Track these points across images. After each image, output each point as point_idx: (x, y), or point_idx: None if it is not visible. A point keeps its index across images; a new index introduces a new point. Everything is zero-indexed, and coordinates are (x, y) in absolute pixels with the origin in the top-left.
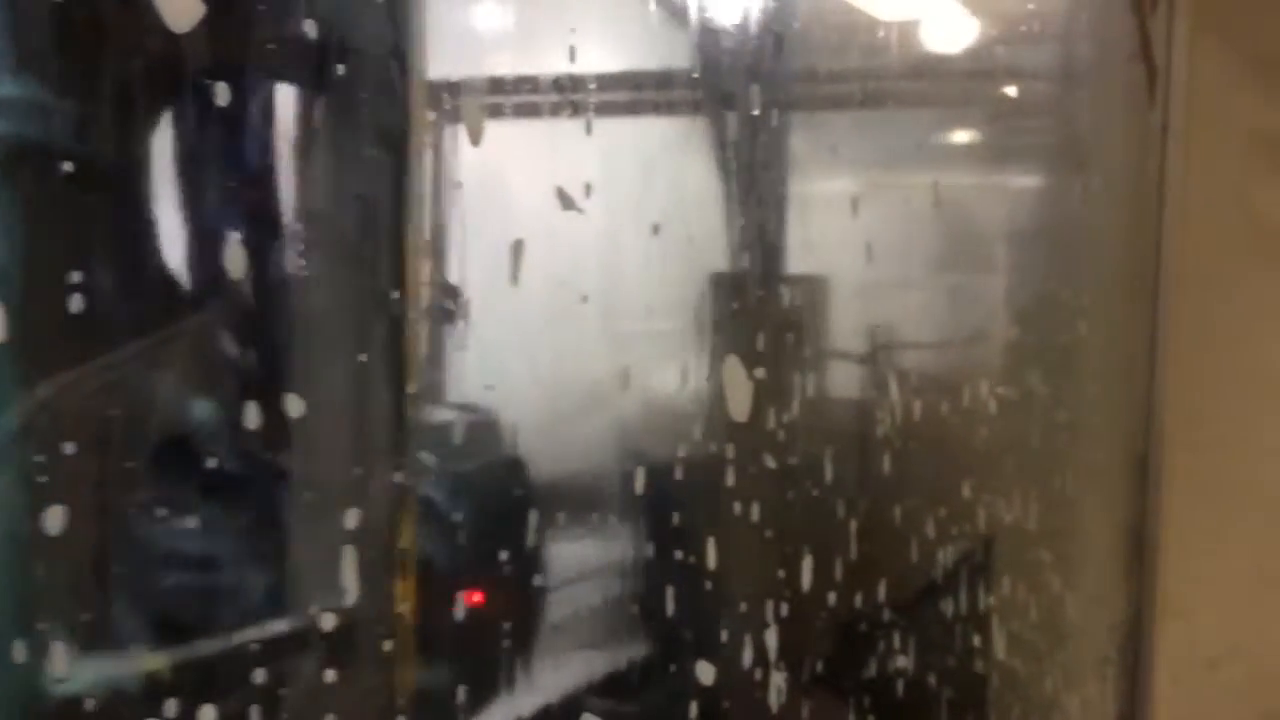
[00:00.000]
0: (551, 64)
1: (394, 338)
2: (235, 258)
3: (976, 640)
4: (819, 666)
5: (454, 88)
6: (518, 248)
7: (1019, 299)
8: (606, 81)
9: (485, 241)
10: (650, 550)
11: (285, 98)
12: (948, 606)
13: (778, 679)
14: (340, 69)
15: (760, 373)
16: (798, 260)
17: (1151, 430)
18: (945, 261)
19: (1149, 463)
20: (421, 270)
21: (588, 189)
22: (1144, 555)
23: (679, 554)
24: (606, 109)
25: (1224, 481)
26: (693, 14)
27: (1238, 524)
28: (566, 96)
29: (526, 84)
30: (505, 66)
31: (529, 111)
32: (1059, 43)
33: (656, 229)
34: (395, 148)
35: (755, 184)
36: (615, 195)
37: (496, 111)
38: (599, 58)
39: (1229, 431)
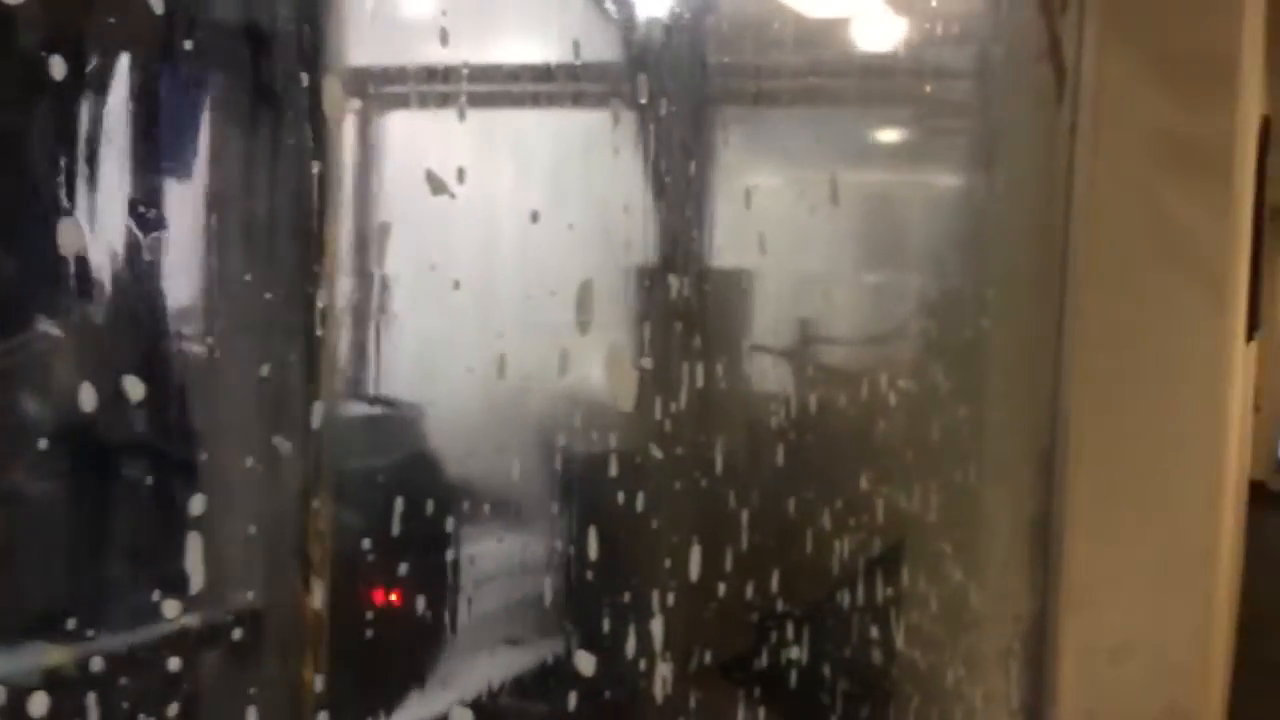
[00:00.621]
0: (428, 51)
1: (297, 330)
2: (71, 235)
3: (890, 633)
4: (729, 659)
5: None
6: (383, 231)
7: (929, 295)
8: (487, 72)
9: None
10: (538, 542)
11: (148, 74)
12: (860, 600)
13: (675, 670)
14: (194, 44)
15: (646, 363)
16: (692, 251)
17: (1057, 425)
18: (853, 257)
19: (1054, 457)
20: (333, 260)
21: (460, 173)
22: (1048, 548)
23: (570, 546)
24: (486, 99)
25: (1126, 476)
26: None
27: (1140, 518)
28: (435, 86)
29: (396, 72)
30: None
31: (411, 101)
32: (969, 42)
33: (535, 216)
34: (297, 131)
35: (646, 174)
36: (497, 181)
37: (394, 100)
38: (484, 45)
39: (1132, 426)
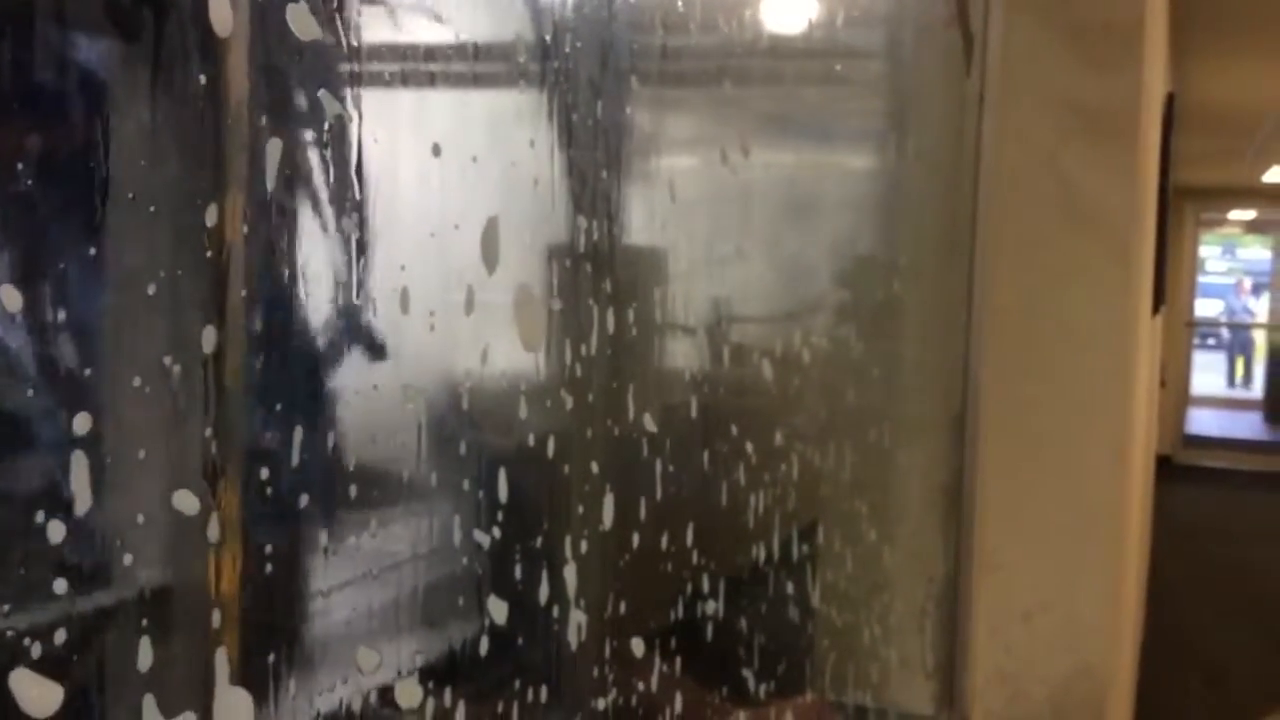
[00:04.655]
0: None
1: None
2: None
3: (807, 594)
4: (644, 615)
5: None
6: (278, 151)
7: (843, 264)
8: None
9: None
10: (445, 482)
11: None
12: (776, 564)
13: (589, 624)
14: None
15: (556, 304)
16: (600, 193)
17: (968, 389)
18: (768, 225)
19: (966, 420)
20: (230, 181)
21: (357, 99)
22: (961, 511)
23: (479, 490)
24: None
25: (1036, 439)
26: None
27: (1050, 480)
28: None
29: None
30: None
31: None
32: (880, 14)
33: (437, 149)
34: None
35: (552, 111)
36: (397, 110)
37: None
38: None
39: (1041, 390)
